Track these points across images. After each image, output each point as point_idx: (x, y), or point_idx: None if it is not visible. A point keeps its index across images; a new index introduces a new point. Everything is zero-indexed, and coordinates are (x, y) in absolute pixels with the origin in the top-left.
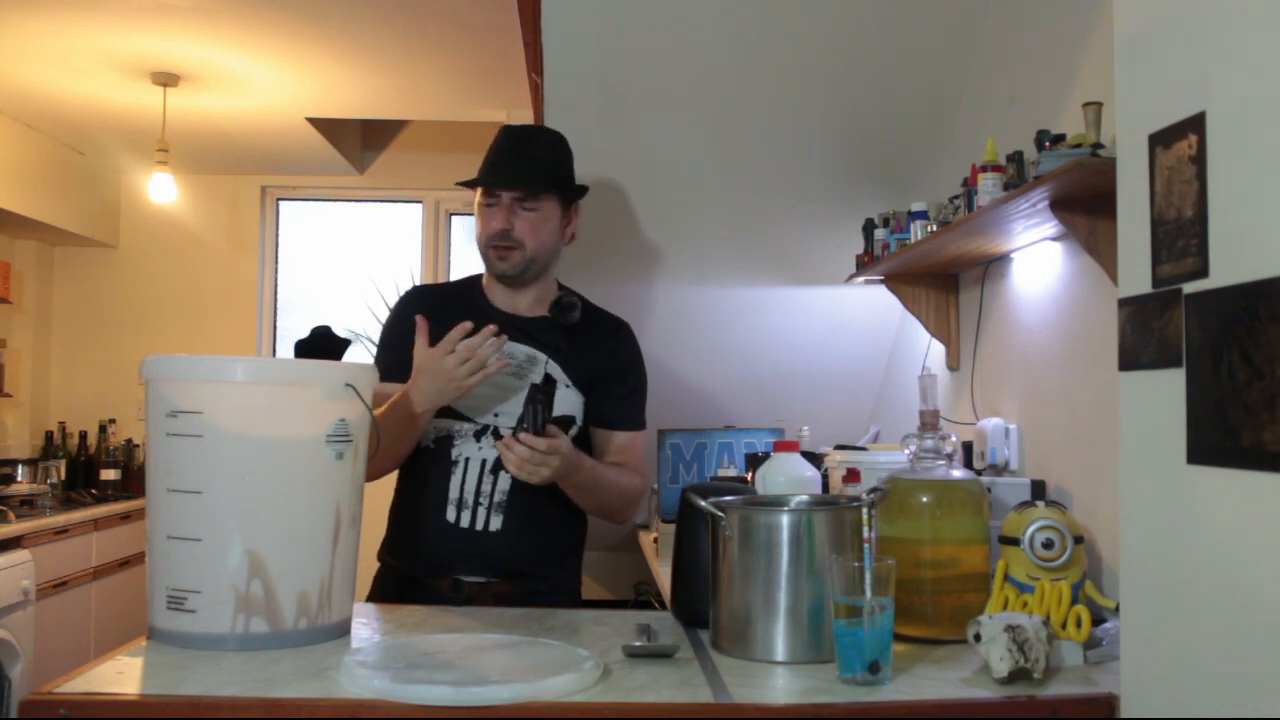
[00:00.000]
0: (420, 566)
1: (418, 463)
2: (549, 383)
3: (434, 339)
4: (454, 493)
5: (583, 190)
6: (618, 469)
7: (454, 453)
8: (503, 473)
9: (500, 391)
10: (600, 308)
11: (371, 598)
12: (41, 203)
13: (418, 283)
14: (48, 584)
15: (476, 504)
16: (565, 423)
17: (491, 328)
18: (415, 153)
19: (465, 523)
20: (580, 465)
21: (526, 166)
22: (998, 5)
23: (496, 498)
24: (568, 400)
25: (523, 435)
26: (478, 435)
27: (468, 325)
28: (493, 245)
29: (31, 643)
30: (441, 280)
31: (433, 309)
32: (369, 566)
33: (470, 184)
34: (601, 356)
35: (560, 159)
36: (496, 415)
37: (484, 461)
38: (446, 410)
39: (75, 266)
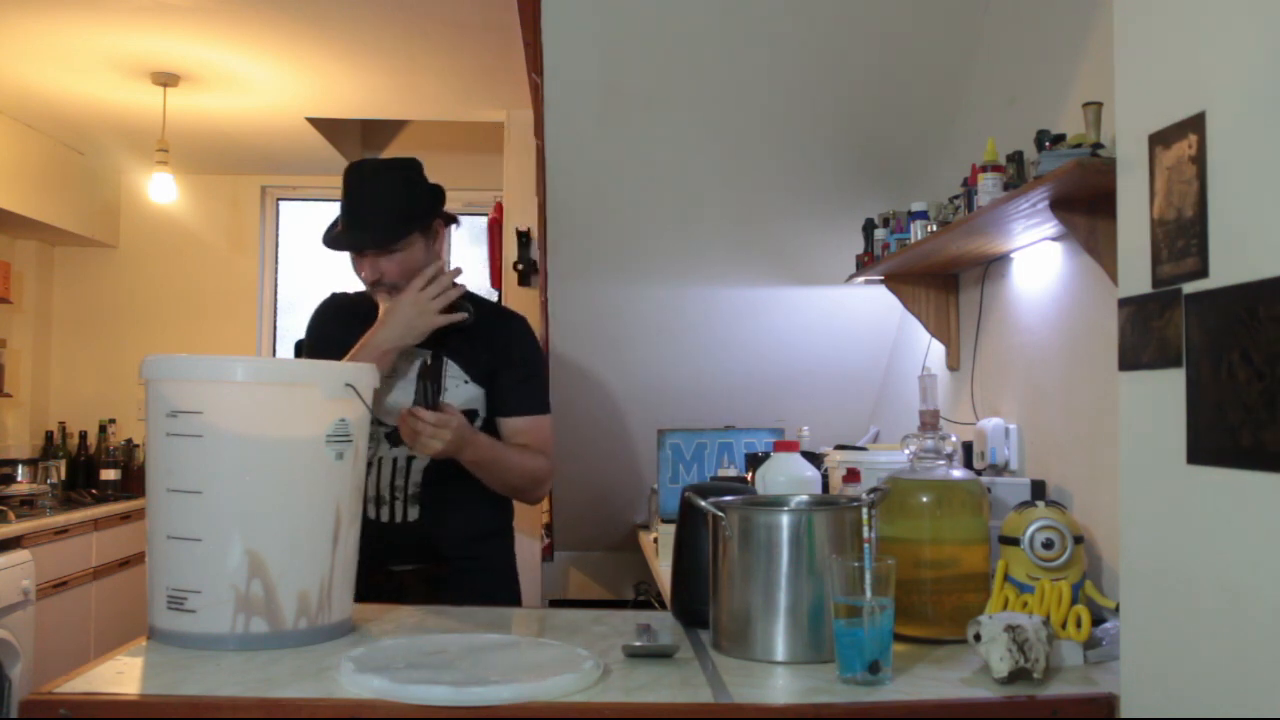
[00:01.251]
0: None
1: None
2: (436, 359)
3: (346, 340)
4: (371, 491)
5: (439, 205)
6: (520, 449)
7: (369, 455)
8: (415, 465)
9: (410, 399)
10: (496, 304)
11: None
12: (41, 203)
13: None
14: (48, 584)
15: (393, 498)
16: (469, 416)
17: (458, 268)
18: (415, 153)
19: (385, 517)
20: (475, 442)
21: (371, 222)
22: (998, 5)
23: (410, 490)
24: (467, 394)
25: (415, 409)
26: (390, 437)
27: (440, 264)
28: (372, 291)
29: (31, 643)
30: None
31: (346, 313)
32: None
33: (330, 246)
34: (495, 349)
35: (409, 194)
36: None
37: (395, 459)
38: None
39: (75, 266)
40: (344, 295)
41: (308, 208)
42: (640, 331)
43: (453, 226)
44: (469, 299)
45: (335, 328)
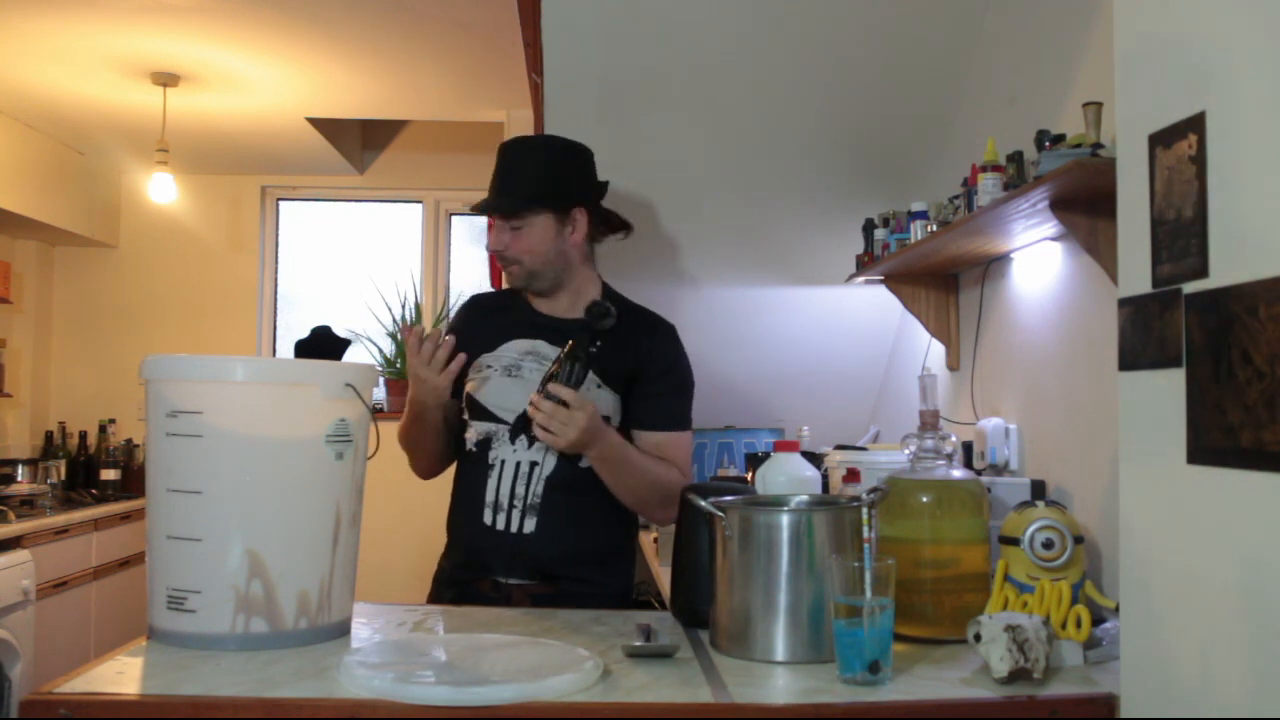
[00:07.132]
0: (464, 568)
1: (463, 467)
2: (584, 341)
3: (481, 339)
4: (490, 495)
5: (591, 194)
6: (655, 459)
7: (491, 456)
8: (538, 473)
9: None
10: (642, 308)
11: (430, 598)
12: (41, 203)
13: (419, 283)
14: (48, 584)
15: (511, 506)
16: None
17: (445, 339)
18: (415, 153)
19: (501, 525)
20: (608, 437)
21: (509, 188)
22: (998, 5)
23: (530, 500)
24: (601, 400)
25: (552, 386)
26: (512, 437)
27: (422, 329)
28: (502, 265)
29: (31, 643)
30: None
31: (483, 314)
32: (430, 568)
33: (473, 211)
34: (637, 355)
35: (551, 171)
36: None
37: (518, 464)
38: (486, 414)
39: (75, 266)
40: (480, 295)
41: (308, 208)
42: None
43: (623, 233)
44: (611, 301)
45: (467, 328)
